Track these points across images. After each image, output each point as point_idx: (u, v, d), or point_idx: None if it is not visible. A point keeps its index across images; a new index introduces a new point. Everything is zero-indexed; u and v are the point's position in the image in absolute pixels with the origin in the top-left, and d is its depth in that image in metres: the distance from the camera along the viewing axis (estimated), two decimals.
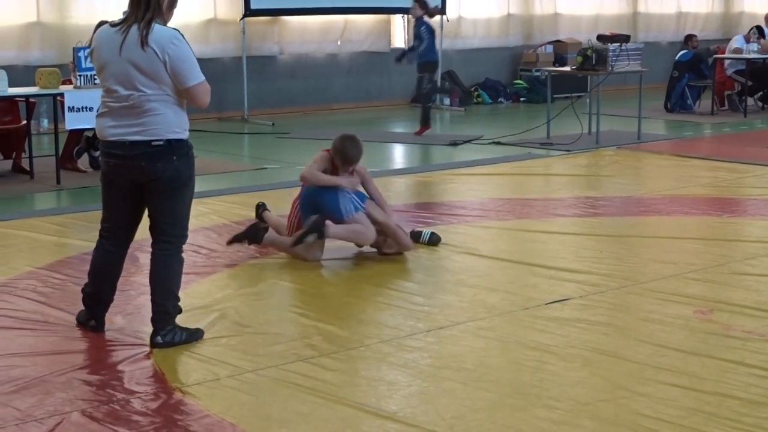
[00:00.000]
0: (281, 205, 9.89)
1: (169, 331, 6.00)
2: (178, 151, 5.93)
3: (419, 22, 15.56)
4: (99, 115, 6.05)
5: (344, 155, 8.05)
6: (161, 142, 5.87)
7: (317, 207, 7.89)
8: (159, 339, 5.98)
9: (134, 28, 5.80)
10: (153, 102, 5.84)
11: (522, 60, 21.20)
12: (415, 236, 8.38)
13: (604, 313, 6.67)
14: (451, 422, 4.95)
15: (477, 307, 6.77)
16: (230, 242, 8.06)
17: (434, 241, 8.40)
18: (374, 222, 7.94)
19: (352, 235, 7.96)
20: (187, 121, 6.02)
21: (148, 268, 6.15)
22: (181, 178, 5.96)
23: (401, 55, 16.42)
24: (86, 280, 6.36)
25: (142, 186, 5.98)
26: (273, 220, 8.48)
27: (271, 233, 8.12)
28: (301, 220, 7.98)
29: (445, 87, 18.83)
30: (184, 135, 5.98)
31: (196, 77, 5.87)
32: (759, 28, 18.80)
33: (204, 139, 14.60)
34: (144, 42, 5.75)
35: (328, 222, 7.79)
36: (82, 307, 6.37)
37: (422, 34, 15.48)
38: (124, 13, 5.93)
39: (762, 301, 6.86)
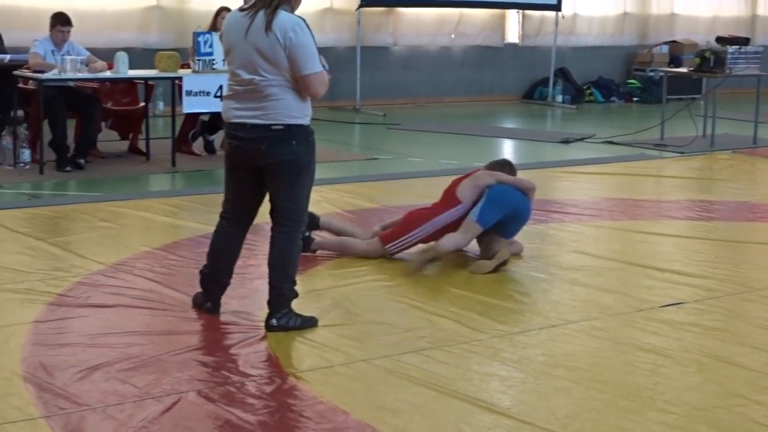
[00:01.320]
0: (391, 197, 9.94)
1: (284, 314, 6.05)
2: (297, 136, 5.99)
3: None
4: (225, 98, 6.17)
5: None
6: (280, 127, 5.94)
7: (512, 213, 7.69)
8: (274, 321, 6.04)
9: (261, 13, 5.87)
10: (273, 87, 5.90)
11: (636, 59, 20.97)
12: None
13: (720, 319, 6.59)
14: (565, 421, 4.92)
15: (590, 307, 6.73)
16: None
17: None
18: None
19: (343, 250, 7.82)
20: (310, 107, 6.06)
21: (265, 252, 6.21)
22: (299, 162, 6.01)
23: None
24: (204, 262, 6.43)
25: (262, 169, 6.04)
26: (336, 226, 8.12)
27: (323, 240, 7.84)
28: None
29: None
30: (305, 120, 6.03)
31: (313, 67, 5.90)
32: None
33: (316, 128, 14.51)
34: (268, 27, 5.82)
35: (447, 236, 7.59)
36: (198, 289, 6.44)
37: None
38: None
39: None
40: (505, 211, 7.59)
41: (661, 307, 6.75)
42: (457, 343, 5.93)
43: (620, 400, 5.20)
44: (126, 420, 4.77)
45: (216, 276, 6.36)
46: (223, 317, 6.30)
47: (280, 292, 6.08)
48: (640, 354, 5.86)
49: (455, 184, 7.87)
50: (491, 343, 5.95)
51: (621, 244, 8.66)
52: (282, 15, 5.85)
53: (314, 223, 7.76)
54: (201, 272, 6.43)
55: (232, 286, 6.47)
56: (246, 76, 5.93)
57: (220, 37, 6.24)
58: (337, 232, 7.99)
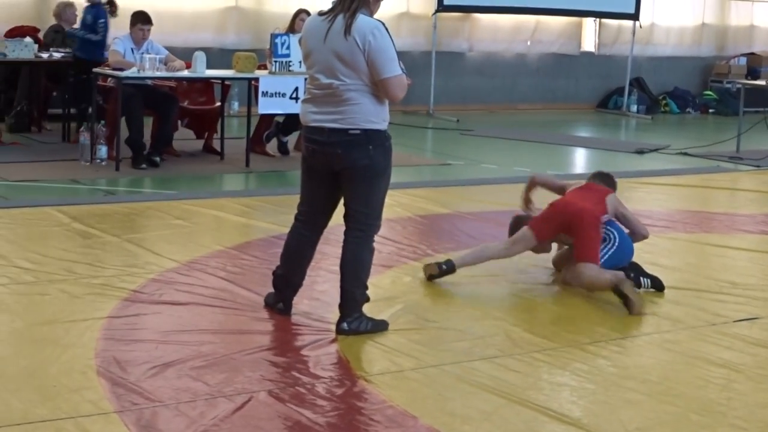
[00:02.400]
0: (464, 203, 9.93)
1: (355, 318, 6.07)
2: (374, 141, 5.98)
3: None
4: (303, 101, 6.18)
5: None
6: (358, 131, 5.93)
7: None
8: (345, 326, 6.05)
9: (340, 18, 5.88)
10: (352, 92, 5.90)
11: (713, 71, 20.80)
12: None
13: None
14: None
15: (662, 320, 6.67)
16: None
17: (657, 286, 7.38)
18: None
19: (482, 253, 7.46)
20: (387, 112, 6.06)
21: (337, 255, 6.23)
22: (375, 167, 6.01)
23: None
24: (277, 263, 6.46)
25: (338, 173, 6.06)
26: (470, 258, 7.48)
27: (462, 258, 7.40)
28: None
29: None
30: (382, 126, 6.03)
31: (392, 70, 5.89)
32: None
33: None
34: (347, 31, 5.82)
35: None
36: (271, 289, 6.48)
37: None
38: (332, 2, 6.01)
39: None
40: (618, 262, 7.26)
41: (734, 321, 6.68)
42: (528, 351, 5.91)
43: (692, 415, 5.15)
44: (197, 417, 4.81)
45: (289, 277, 6.39)
46: (294, 318, 6.32)
47: (352, 297, 6.10)
48: (712, 368, 5.81)
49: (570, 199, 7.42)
50: (562, 353, 5.92)
51: (694, 257, 8.59)
52: (361, 19, 5.86)
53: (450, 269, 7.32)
54: (274, 273, 6.46)
55: (304, 288, 6.49)
56: (325, 80, 5.94)
57: (299, 42, 6.25)
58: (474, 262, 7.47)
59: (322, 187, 6.21)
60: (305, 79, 11.41)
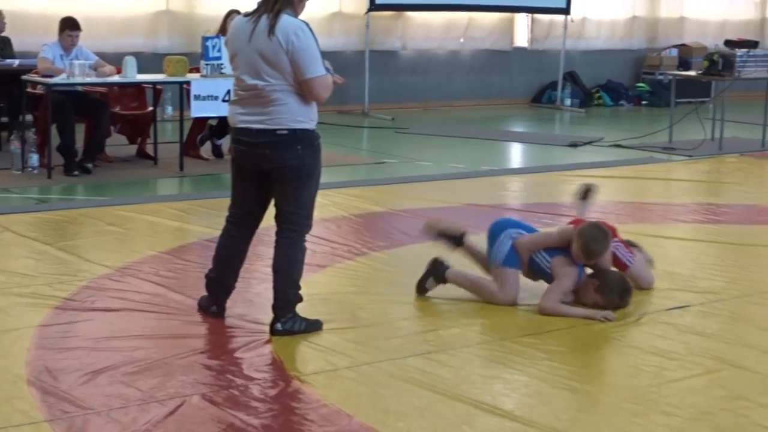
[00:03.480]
0: (399, 201, 9.94)
1: (289, 318, 6.05)
2: (302, 140, 5.98)
3: None
4: (231, 103, 6.19)
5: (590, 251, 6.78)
6: (285, 131, 5.92)
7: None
8: (279, 326, 6.04)
9: (264, 18, 5.88)
10: (277, 92, 5.90)
11: (645, 63, 20.95)
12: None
13: (725, 322, 6.58)
14: (568, 424, 4.92)
15: (596, 310, 6.71)
16: (419, 291, 6.98)
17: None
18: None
19: (476, 288, 6.89)
20: (315, 111, 6.06)
21: (269, 256, 6.22)
22: (305, 167, 6.00)
23: None
24: (210, 266, 6.44)
25: (268, 174, 6.05)
26: (467, 280, 7.01)
27: (453, 271, 6.98)
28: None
29: None
30: (310, 125, 6.03)
31: (315, 70, 5.88)
32: None
33: (324, 132, 14.49)
34: (271, 31, 5.82)
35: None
36: (204, 293, 6.45)
37: None
38: (258, 3, 6.00)
39: None
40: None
41: (666, 310, 6.75)
42: (461, 346, 5.93)
43: (624, 403, 5.20)
44: (130, 423, 4.78)
45: (221, 280, 6.38)
46: (227, 321, 6.30)
47: (285, 297, 6.09)
48: (645, 357, 5.86)
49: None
50: (495, 347, 5.95)
51: None
52: (285, 19, 5.85)
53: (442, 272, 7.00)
54: (207, 276, 6.44)
55: (238, 290, 6.48)
56: (250, 81, 5.95)
57: (226, 43, 6.28)
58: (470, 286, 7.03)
59: (253, 188, 6.20)
60: None
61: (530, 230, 7.02)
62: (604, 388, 5.39)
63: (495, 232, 6.95)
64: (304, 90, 5.93)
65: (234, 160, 6.25)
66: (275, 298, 6.11)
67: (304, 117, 5.99)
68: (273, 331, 6.05)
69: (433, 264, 6.97)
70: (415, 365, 5.60)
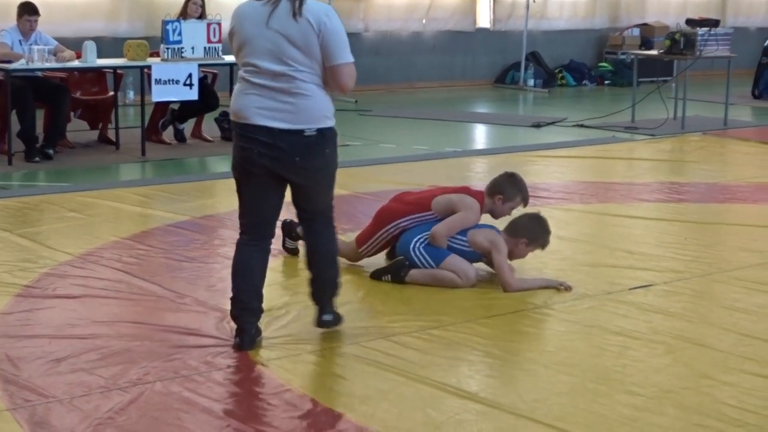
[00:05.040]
0: (363, 183, 9.92)
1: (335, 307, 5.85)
2: (330, 142, 5.55)
3: None
4: (241, 95, 5.53)
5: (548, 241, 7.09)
6: (314, 132, 5.44)
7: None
8: (332, 316, 5.80)
9: (284, 1, 5.39)
10: (306, 82, 5.40)
11: (608, 42, 20.98)
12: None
13: (689, 301, 6.61)
14: (533, 405, 4.92)
15: (558, 290, 6.72)
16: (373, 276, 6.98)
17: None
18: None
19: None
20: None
21: (232, 241, 6.15)
22: (332, 165, 5.65)
23: None
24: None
25: (282, 175, 5.57)
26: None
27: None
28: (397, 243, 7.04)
29: None
30: (334, 121, 5.58)
31: (348, 56, 5.44)
32: None
33: None
34: (297, 12, 5.34)
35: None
36: (166, 277, 6.38)
37: None
38: None
39: None
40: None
41: (630, 289, 6.76)
42: (425, 329, 5.92)
43: (588, 383, 5.21)
44: (92, 411, 4.75)
45: (246, 301, 5.66)
46: (190, 307, 6.26)
47: (336, 281, 5.84)
48: (608, 337, 5.87)
49: (433, 195, 7.16)
50: (459, 329, 5.94)
51: (591, 227, 8.67)
52: (309, 1, 5.40)
53: (293, 230, 7.32)
54: (231, 300, 5.73)
55: (200, 276, 6.46)
56: (273, 67, 5.39)
57: (230, 34, 5.60)
58: None
59: (268, 193, 5.62)
60: (199, 65, 11.46)
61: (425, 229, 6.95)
62: (568, 368, 5.39)
63: (406, 251, 6.91)
64: (329, 77, 5.46)
65: (242, 163, 5.56)
66: (328, 285, 5.79)
67: (329, 112, 5.53)
68: (328, 323, 5.79)
69: (396, 264, 6.91)
70: (380, 348, 5.59)
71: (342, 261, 6.61)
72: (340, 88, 5.51)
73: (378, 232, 7.15)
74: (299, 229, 7.00)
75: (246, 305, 5.64)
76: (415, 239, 6.86)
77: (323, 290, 5.80)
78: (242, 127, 5.50)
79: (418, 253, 6.82)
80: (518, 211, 7.23)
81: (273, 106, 5.42)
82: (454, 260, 6.79)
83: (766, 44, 18.50)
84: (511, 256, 6.95)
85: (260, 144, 5.45)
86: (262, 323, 5.76)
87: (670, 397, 5.04)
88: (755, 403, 4.97)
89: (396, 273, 6.83)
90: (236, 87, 5.61)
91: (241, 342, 5.57)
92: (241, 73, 5.56)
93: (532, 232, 6.99)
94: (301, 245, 6.97)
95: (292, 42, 5.36)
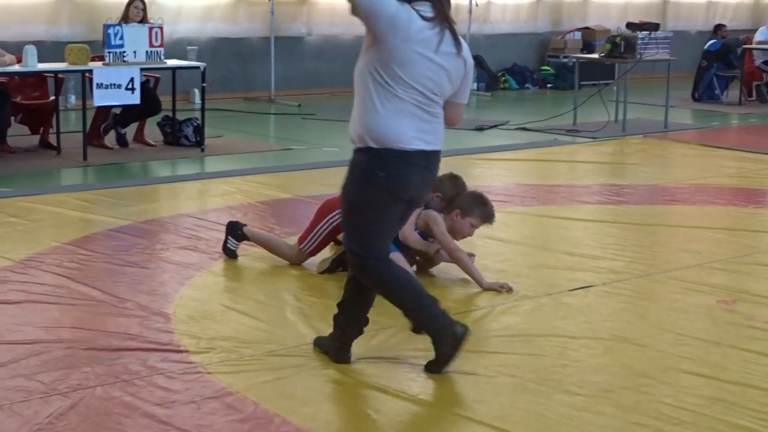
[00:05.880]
0: (305, 187, 9.94)
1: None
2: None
3: None
4: (395, 117, 5.21)
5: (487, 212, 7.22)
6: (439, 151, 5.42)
7: None
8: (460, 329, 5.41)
9: (447, 31, 5.21)
10: (440, 109, 5.33)
11: (550, 46, 21.12)
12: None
13: (627, 301, 6.68)
14: (473, 405, 4.97)
15: (498, 293, 6.76)
16: (324, 272, 7.12)
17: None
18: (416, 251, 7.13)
19: (272, 248, 7.33)
20: None
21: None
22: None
23: None
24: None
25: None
26: (261, 236, 7.51)
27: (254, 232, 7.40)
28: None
29: None
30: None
31: (468, 96, 5.52)
32: None
33: (231, 119, 14.67)
34: (460, 50, 5.26)
35: None
36: (107, 282, 6.36)
37: None
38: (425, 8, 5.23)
39: None
40: None
41: (569, 290, 6.83)
42: (368, 331, 5.92)
43: (528, 384, 5.25)
44: (32, 416, 4.73)
45: (358, 324, 5.58)
46: (132, 312, 6.25)
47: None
48: (548, 338, 5.92)
49: None
50: (400, 331, 5.95)
51: (531, 230, 8.73)
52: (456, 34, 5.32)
53: (239, 229, 7.39)
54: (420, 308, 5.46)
55: (141, 281, 6.44)
56: (431, 96, 5.22)
57: (395, 18, 5.14)
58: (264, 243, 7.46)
59: (396, 217, 5.45)
60: (141, 70, 11.42)
61: None
62: (507, 369, 5.44)
63: None
64: (449, 110, 5.36)
65: (390, 191, 5.29)
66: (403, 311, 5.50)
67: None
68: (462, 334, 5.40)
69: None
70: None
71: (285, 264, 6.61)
72: (452, 123, 5.46)
73: (318, 225, 7.22)
74: (245, 229, 7.09)
75: (360, 326, 5.57)
76: None
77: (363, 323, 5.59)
78: (395, 154, 5.25)
79: None
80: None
81: (427, 130, 5.27)
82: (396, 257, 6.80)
83: (705, 48, 18.72)
84: (453, 233, 7.01)
85: (418, 168, 5.31)
86: (200, 328, 5.74)
87: (609, 397, 5.10)
88: (692, 401, 5.04)
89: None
90: (383, 103, 5.25)
91: (463, 326, 5.37)
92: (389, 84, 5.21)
93: (464, 202, 7.10)
94: (240, 251, 7.00)
95: (450, 78, 5.25)
